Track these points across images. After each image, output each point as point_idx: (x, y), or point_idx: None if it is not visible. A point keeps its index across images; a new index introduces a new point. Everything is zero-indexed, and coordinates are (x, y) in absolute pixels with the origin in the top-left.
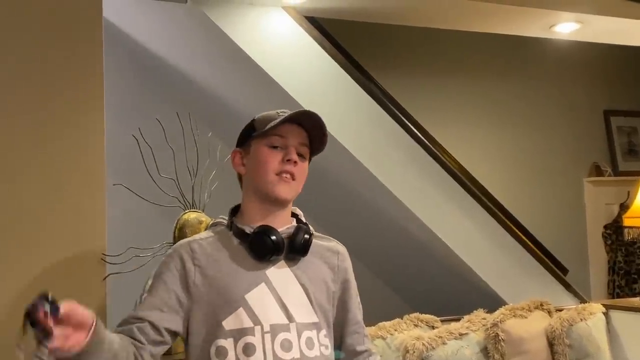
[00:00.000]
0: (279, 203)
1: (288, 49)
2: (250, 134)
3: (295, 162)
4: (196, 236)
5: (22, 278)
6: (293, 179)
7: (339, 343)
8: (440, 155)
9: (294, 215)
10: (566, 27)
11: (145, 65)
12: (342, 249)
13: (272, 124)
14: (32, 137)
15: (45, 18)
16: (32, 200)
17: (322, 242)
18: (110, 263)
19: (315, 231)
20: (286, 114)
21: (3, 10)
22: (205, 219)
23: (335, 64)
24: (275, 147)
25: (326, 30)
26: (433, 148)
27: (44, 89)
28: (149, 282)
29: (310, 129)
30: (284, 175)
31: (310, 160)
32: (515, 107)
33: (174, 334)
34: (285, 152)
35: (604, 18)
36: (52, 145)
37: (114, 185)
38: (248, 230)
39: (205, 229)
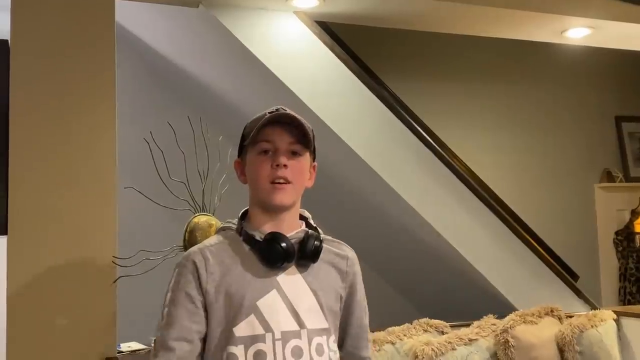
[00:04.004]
0: (280, 210)
1: (299, 54)
2: (244, 142)
3: (285, 165)
4: (206, 242)
5: (34, 280)
6: (288, 182)
7: (341, 344)
8: (450, 160)
9: (302, 217)
10: (577, 33)
11: (157, 69)
12: (351, 253)
13: (254, 132)
14: (43, 141)
15: (57, 24)
16: (44, 203)
17: (331, 247)
18: (121, 266)
19: (325, 234)
20: (272, 114)
21: (15, 18)
22: (215, 222)
23: (346, 68)
24: (265, 152)
25: (337, 35)
26: (444, 153)
27: (56, 93)
28: (169, 296)
29: (295, 127)
30: (277, 182)
31: (314, 152)
32: (527, 112)
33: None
34: (274, 157)
35: (616, 23)
36: (63, 149)
37: (125, 188)
38: (258, 236)
39: (215, 233)
